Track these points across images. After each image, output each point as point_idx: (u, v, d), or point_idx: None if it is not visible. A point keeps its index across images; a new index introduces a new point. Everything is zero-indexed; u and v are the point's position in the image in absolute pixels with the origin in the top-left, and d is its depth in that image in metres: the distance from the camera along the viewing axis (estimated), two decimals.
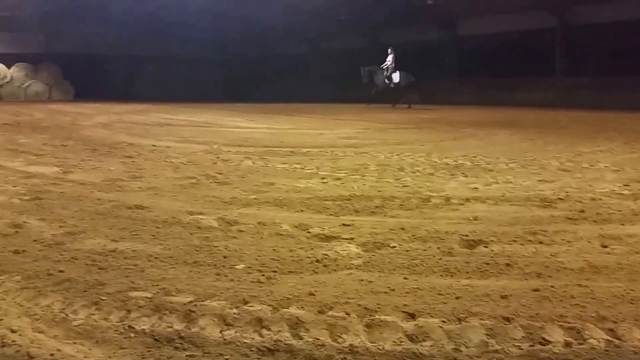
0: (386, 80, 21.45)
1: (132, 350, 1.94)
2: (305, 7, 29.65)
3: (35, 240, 3.26)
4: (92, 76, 34.45)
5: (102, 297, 2.37)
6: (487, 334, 2.03)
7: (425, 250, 3.05)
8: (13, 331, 2.04)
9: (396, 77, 21.34)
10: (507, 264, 2.81)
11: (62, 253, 3.02)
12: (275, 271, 2.72)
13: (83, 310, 2.26)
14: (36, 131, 10.98)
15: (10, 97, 36.58)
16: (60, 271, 2.70)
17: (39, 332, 2.06)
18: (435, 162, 6.48)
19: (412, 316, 2.18)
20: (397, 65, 21.61)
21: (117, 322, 2.16)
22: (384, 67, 21.50)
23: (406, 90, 21.45)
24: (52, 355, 1.89)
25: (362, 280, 2.59)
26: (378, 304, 2.28)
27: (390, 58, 21.51)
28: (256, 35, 37.52)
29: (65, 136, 9.88)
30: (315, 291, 2.43)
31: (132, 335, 2.05)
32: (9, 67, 37.08)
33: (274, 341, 1.99)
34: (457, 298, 2.37)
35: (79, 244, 3.19)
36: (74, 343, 1.99)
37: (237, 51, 40.45)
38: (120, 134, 10.46)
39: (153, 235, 3.37)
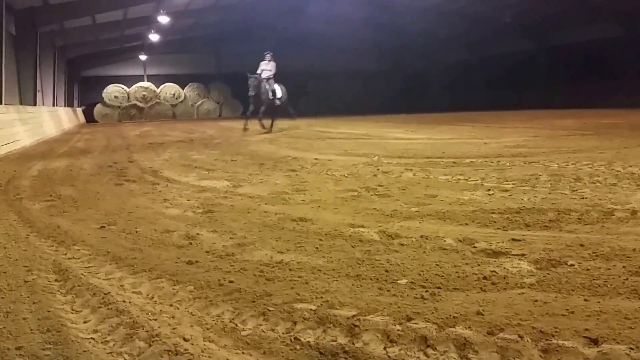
0: (270, 96, 16.75)
1: None
2: (469, 12, 29.08)
3: (207, 252, 3.52)
4: None
5: (269, 308, 2.49)
6: None
7: (609, 269, 2.79)
8: (186, 340, 2.20)
9: (279, 91, 17.09)
10: None
11: (232, 264, 3.22)
12: (440, 287, 2.67)
13: (251, 321, 2.38)
14: (208, 147, 12.02)
15: (184, 115, 40.69)
16: (231, 281, 2.88)
17: (210, 342, 2.20)
18: (619, 171, 5.89)
19: (595, 342, 2.01)
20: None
21: (283, 333, 2.25)
22: (266, 77, 16.67)
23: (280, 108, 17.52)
24: None
25: (536, 300, 2.44)
26: (555, 328, 2.13)
27: (271, 66, 16.84)
28: (416, 44, 37.51)
29: (235, 151, 10.68)
30: (483, 310, 2.34)
31: (298, 347, 2.13)
32: (182, 87, 41.28)
33: None
34: None
35: (248, 255, 3.39)
36: (243, 353, 2.10)
37: (397, 62, 40.71)
38: (284, 148, 11.04)
39: (316, 248, 3.48)
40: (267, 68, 16.76)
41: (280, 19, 34.00)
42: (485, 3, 28.92)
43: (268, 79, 16.66)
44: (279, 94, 16.99)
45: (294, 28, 35.79)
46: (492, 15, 30.24)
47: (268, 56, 16.92)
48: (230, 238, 3.85)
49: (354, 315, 2.35)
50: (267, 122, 16.87)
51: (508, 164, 6.87)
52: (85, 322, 2.46)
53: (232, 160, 9.13)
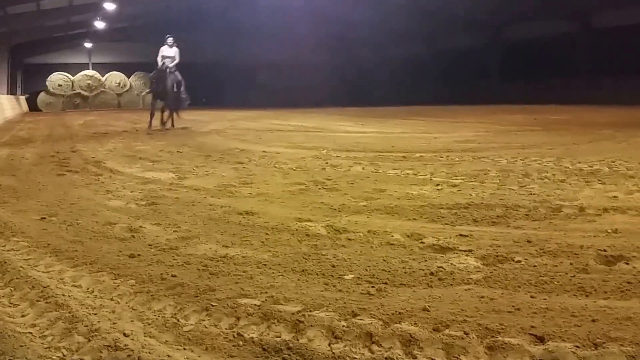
0: (175, 87, 14.47)
1: (241, 359, 1.98)
2: (421, 5, 29.44)
3: (150, 245, 3.46)
4: (208, 84, 36.40)
5: (213, 303, 2.44)
6: None
7: (556, 266, 2.84)
8: (126, 335, 2.15)
9: (179, 81, 14.68)
10: None
11: (175, 258, 3.16)
12: (386, 283, 2.66)
13: (194, 316, 2.34)
14: (153, 138, 11.76)
15: (129, 104, 39.86)
16: (173, 276, 2.83)
17: (151, 337, 2.15)
18: (567, 167, 6.07)
19: (541, 339, 2.03)
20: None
21: (226, 329, 2.21)
22: (171, 66, 14.40)
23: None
24: None
25: (482, 297, 2.46)
26: (501, 324, 2.14)
27: (174, 52, 14.53)
28: (368, 37, 37.75)
29: (181, 142, 10.49)
30: (429, 306, 2.34)
31: (241, 343, 2.09)
32: (128, 76, 40.35)
33: (385, 358, 1.94)
34: (593, 321, 2.17)
35: (192, 249, 3.34)
36: (184, 349, 2.05)
37: (349, 55, 40.89)
38: (232, 140, 10.92)
39: (262, 242, 3.44)
40: (169, 55, 14.39)
41: (230, 8, 33.63)
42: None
43: (170, 69, 14.31)
44: (182, 86, 14.72)
45: (244, 18, 35.45)
46: (445, 8, 30.72)
47: (170, 40, 14.44)
48: (174, 231, 3.79)
49: (299, 311, 2.32)
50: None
51: (457, 159, 6.99)
52: (23, 315, 2.40)
53: (177, 151, 8.97)
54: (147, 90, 12.94)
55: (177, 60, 14.43)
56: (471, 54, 32.71)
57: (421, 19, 32.80)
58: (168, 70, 14.20)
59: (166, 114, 14.72)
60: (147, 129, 14.22)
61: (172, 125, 14.63)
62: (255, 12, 33.86)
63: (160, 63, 14.32)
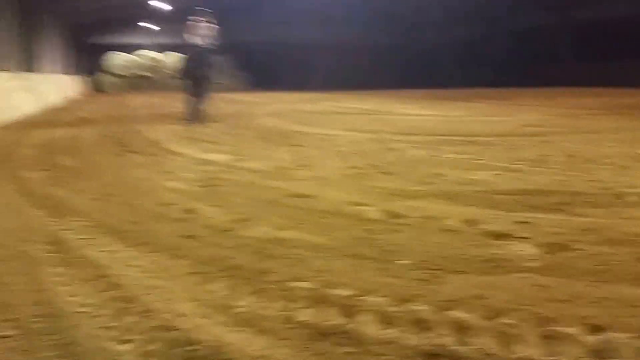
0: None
1: (292, 341, 2.01)
2: None
3: (205, 226, 3.52)
4: (269, 65, 36.60)
5: (266, 286, 2.49)
6: None
7: (616, 254, 2.77)
8: (178, 315, 2.20)
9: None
10: None
11: (230, 239, 3.22)
12: (441, 269, 2.65)
13: (247, 298, 2.38)
14: (214, 120, 11.96)
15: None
16: (228, 257, 2.88)
17: (203, 318, 2.20)
18: (635, 153, 5.84)
19: (597, 329, 1.99)
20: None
21: (279, 311, 2.25)
22: (208, 47, 11.61)
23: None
24: (215, 342, 2.01)
25: (538, 285, 2.42)
26: (557, 313, 2.11)
27: (211, 30, 11.60)
28: (429, 17, 37.01)
29: (240, 124, 10.65)
30: (484, 294, 2.32)
31: (293, 326, 2.12)
32: None
33: (437, 345, 1.94)
34: None
35: (247, 231, 3.38)
36: (236, 331, 2.10)
37: (410, 36, 40.21)
38: (290, 123, 10.99)
39: (316, 225, 3.48)
40: (205, 33, 11.44)
41: None
42: None
43: (209, 50, 11.52)
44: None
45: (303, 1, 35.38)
46: None
47: (206, 14, 11.46)
48: (229, 213, 3.83)
49: (352, 295, 2.34)
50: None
51: (521, 143, 6.83)
52: (76, 295, 2.45)
53: (236, 133, 9.12)
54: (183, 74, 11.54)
55: (215, 40, 11.55)
56: (539, 33, 31.51)
57: None
58: (205, 51, 11.50)
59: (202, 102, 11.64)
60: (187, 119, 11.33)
61: (203, 118, 11.30)
62: None
63: (194, 41, 11.47)
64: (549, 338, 1.95)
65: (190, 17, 11.42)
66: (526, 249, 2.90)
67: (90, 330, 2.12)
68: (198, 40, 11.43)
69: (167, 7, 32.64)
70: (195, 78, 11.49)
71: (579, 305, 2.20)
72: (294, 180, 5.01)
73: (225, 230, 3.42)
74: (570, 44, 30.20)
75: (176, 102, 19.25)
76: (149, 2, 31.93)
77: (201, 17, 11.44)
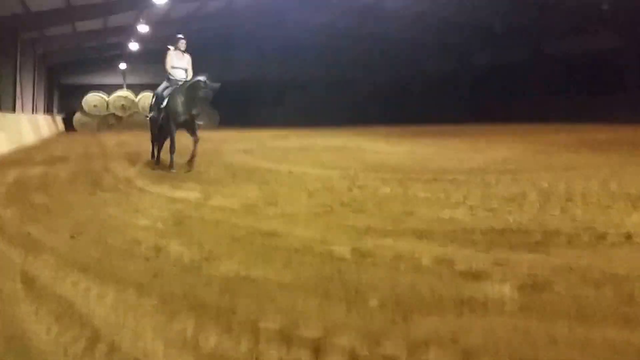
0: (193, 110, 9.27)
1: None
2: (454, 20, 29.31)
3: (174, 264, 3.51)
4: (236, 103, 36.72)
5: (234, 325, 2.45)
6: None
7: (597, 296, 2.73)
8: (146, 354, 2.19)
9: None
10: None
11: (197, 277, 3.19)
12: (413, 310, 2.59)
13: (214, 337, 2.35)
14: (182, 157, 11.82)
15: None
16: (195, 295, 2.86)
17: (171, 357, 2.19)
18: (614, 191, 5.86)
19: None
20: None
21: (245, 351, 2.21)
22: (184, 80, 9.70)
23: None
24: None
25: (516, 327, 2.36)
26: (535, 357, 2.05)
27: (187, 61, 10.09)
28: (401, 53, 37.79)
29: (208, 162, 10.55)
30: (457, 336, 2.26)
31: None
32: None
33: None
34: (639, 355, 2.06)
35: (215, 269, 3.35)
36: None
37: (382, 71, 40.91)
38: (259, 159, 10.94)
39: (285, 264, 3.41)
40: (180, 65, 10.02)
41: (260, 28, 34.14)
42: (473, 11, 29.10)
43: (201, 86, 8.88)
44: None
45: (274, 37, 35.92)
46: (482, 23, 30.52)
47: (182, 44, 10.05)
48: (197, 251, 3.81)
49: (320, 337, 2.29)
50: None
51: (494, 181, 6.81)
52: (48, 332, 2.50)
53: (205, 171, 9.02)
54: (155, 112, 9.80)
55: (190, 72, 9.99)
56: (509, 69, 32.22)
57: (457, 34, 32.64)
58: (179, 85, 9.55)
59: (193, 144, 9.47)
60: (153, 164, 10.33)
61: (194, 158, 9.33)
62: (284, 30, 34.29)
63: (172, 74, 9.93)
64: None
65: (169, 46, 10.11)
66: (502, 290, 2.84)
67: None
68: (181, 74, 9.91)
69: (137, 47, 32.85)
70: (179, 122, 9.40)
71: (560, 349, 2.14)
72: (262, 217, 4.94)
73: (193, 268, 3.40)
74: (541, 79, 30.88)
75: (146, 140, 19.17)
76: (123, 44, 32.15)
77: (183, 48, 10.05)
